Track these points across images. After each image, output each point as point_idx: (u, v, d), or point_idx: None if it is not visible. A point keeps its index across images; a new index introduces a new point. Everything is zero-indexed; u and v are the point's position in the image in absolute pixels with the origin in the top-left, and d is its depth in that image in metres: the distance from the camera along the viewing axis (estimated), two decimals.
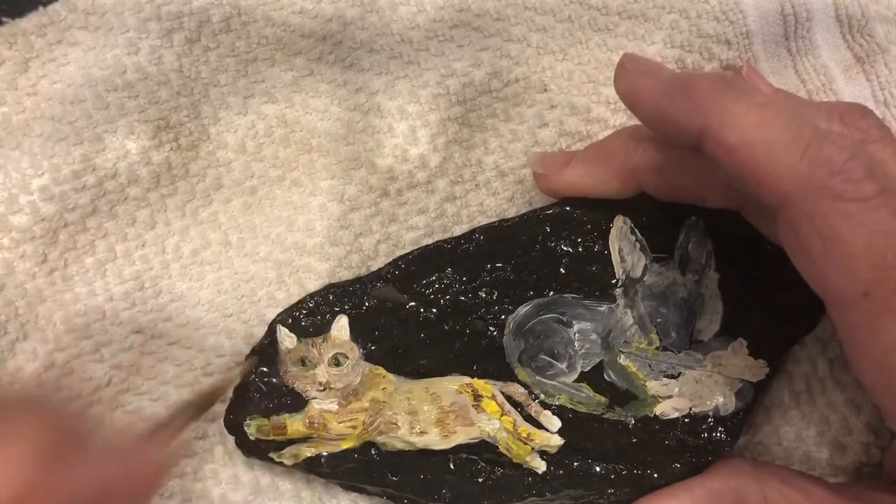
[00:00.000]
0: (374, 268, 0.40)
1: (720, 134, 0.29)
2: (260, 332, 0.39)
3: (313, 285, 0.40)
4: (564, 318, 0.38)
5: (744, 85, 0.31)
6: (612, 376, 0.38)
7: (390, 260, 0.39)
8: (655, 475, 0.37)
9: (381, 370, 0.38)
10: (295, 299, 0.39)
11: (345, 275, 0.40)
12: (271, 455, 0.37)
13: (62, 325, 0.39)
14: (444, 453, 0.37)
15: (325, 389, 0.37)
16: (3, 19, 0.41)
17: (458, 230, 0.41)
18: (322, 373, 0.37)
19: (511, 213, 0.41)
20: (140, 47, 0.40)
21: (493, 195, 0.41)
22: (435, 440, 0.37)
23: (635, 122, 0.35)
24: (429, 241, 0.40)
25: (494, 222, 0.38)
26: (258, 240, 0.40)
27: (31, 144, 0.39)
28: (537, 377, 0.38)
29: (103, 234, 0.40)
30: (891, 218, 0.27)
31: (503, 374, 0.38)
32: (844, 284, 0.28)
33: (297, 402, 0.37)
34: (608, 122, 0.41)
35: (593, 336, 0.38)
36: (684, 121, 0.31)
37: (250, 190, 0.41)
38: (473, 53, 0.41)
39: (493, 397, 0.37)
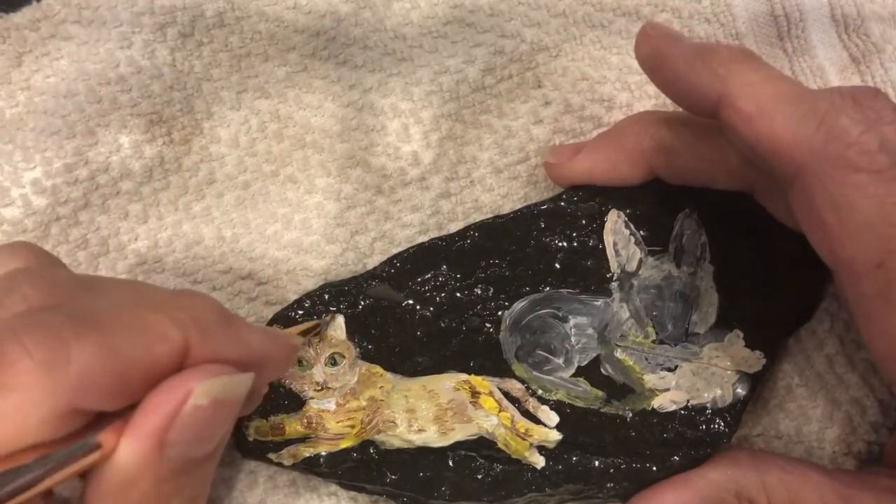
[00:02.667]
0: (370, 265, 0.38)
1: (738, 101, 0.29)
2: None
3: (309, 283, 0.39)
4: (560, 313, 0.37)
5: (762, 60, 0.30)
6: (609, 370, 0.37)
7: (385, 258, 0.38)
8: (654, 468, 0.36)
9: (379, 369, 0.36)
10: (292, 297, 0.38)
11: (341, 272, 0.39)
12: (270, 456, 0.36)
13: None
14: (442, 451, 0.36)
15: (322, 389, 0.36)
16: None
17: (454, 227, 0.39)
18: (319, 372, 0.36)
19: (506, 209, 0.39)
20: (133, 41, 0.39)
21: (488, 191, 0.40)
22: (433, 437, 0.36)
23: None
24: (424, 238, 0.39)
25: (489, 219, 0.37)
26: (253, 237, 0.39)
27: (24, 138, 0.38)
28: (534, 372, 0.37)
29: (95, 227, 0.38)
30: None
31: (500, 370, 0.37)
32: (858, 255, 0.27)
33: (295, 403, 0.36)
34: (602, 119, 0.40)
35: (589, 330, 0.37)
36: (703, 87, 0.30)
37: (243, 185, 0.39)
38: (467, 50, 0.40)
39: (491, 393, 0.36)
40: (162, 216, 0.39)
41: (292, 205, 0.39)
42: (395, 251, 0.38)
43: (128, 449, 0.24)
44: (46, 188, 0.38)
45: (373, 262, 0.39)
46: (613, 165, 0.36)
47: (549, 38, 0.40)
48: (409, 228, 0.39)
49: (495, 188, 0.40)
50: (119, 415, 0.24)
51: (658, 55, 0.32)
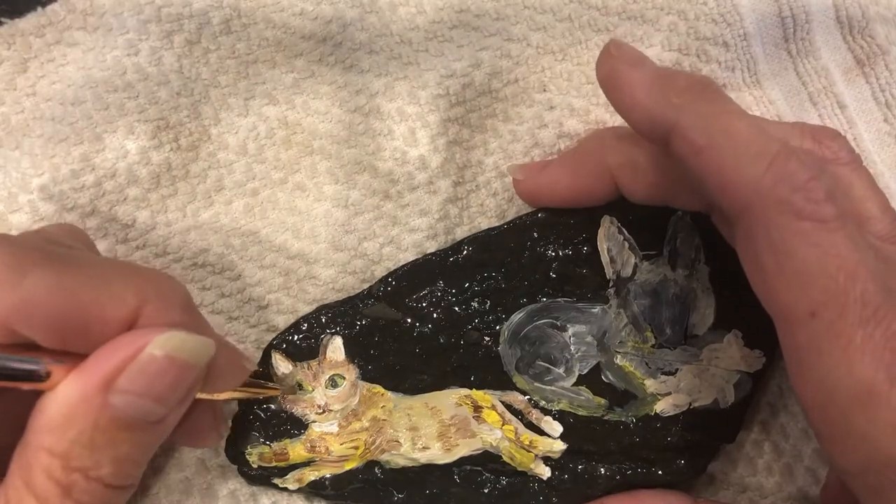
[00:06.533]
0: (378, 273, 0.37)
1: (689, 133, 0.27)
2: (269, 338, 0.36)
3: (318, 293, 0.37)
4: (558, 323, 0.35)
5: (721, 91, 0.29)
6: (610, 377, 0.35)
7: (392, 266, 0.36)
8: (660, 472, 0.35)
9: (380, 388, 0.35)
10: (301, 306, 0.37)
11: (349, 280, 0.37)
12: (275, 481, 0.35)
13: None
14: (448, 467, 0.35)
15: (324, 412, 0.34)
16: (2, 20, 0.37)
17: (461, 232, 0.38)
18: (320, 395, 0.34)
19: (511, 213, 0.38)
20: (140, 48, 0.37)
21: (493, 196, 0.38)
22: (438, 454, 0.35)
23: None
24: (432, 242, 0.37)
25: (482, 231, 0.36)
26: (263, 245, 0.37)
27: (32, 145, 0.36)
28: (536, 384, 0.35)
29: (103, 234, 0.36)
30: (846, 242, 0.25)
31: (501, 383, 0.35)
32: (793, 302, 0.25)
33: (298, 427, 0.35)
34: (606, 123, 0.38)
35: (588, 338, 0.35)
36: (656, 114, 0.28)
37: (252, 192, 0.38)
38: (473, 53, 0.38)
39: (493, 407, 0.35)
40: (170, 223, 0.37)
41: (301, 213, 0.38)
42: (402, 256, 0.37)
43: (73, 385, 0.24)
44: (53, 194, 0.36)
45: (380, 269, 0.37)
46: (577, 181, 0.34)
47: (555, 42, 0.38)
48: (418, 233, 0.38)
49: (500, 192, 0.38)
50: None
51: (616, 77, 0.30)
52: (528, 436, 0.35)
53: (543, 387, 0.35)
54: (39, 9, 0.38)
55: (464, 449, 0.35)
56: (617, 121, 0.38)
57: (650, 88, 0.29)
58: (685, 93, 0.28)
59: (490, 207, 0.38)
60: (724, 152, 0.26)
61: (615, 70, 0.30)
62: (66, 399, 0.24)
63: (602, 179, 0.34)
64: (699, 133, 0.27)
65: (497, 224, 0.36)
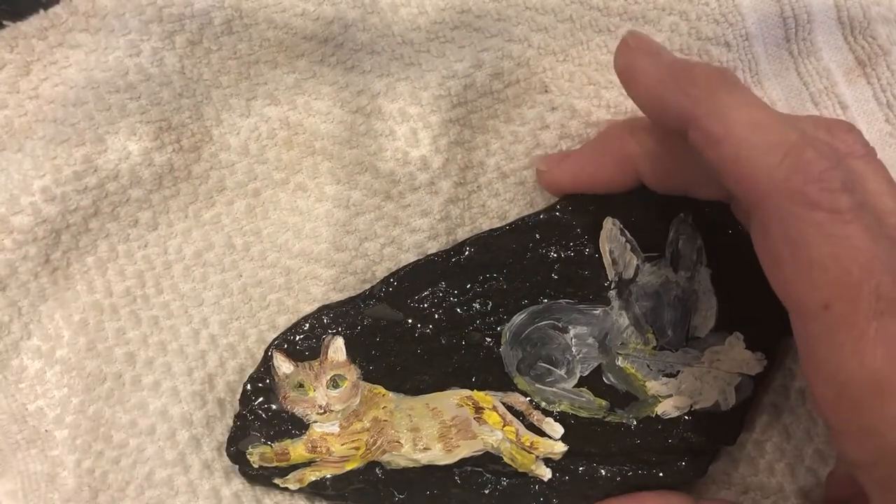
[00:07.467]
0: (379, 273, 0.37)
1: (707, 124, 0.27)
2: (270, 337, 0.36)
3: (319, 292, 0.37)
4: (560, 324, 0.35)
5: (739, 82, 0.28)
6: (612, 379, 0.35)
7: (394, 265, 0.36)
8: (661, 474, 0.35)
9: (381, 389, 0.35)
10: (303, 306, 0.37)
11: (350, 281, 0.37)
12: (276, 481, 0.34)
13: (63, 322, 0.36)
14: (449, 468, 0.35)
15: (325, 412, 0.34)
16: (4, 22, 0.37)
17: (462, 232, 0.37)
18: (321, 396, 0.34)
19: (513, 214, 0.37)
20: (142, 49, 0.37)
21: (494, 196, 0.38)
22: (439, 455, 0.34)
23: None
24: (433, 243, 0.37)
25: (484, 232, 0.35)
26: (265, 245, 0.37)
27: (34, 147, 0.36)
28: (537, 385, 0.35)
29: (105, 234, 0.36)
30: (861, 233, 0.25)
31: (503, 384, 0.35)
32: (807, 294, 0.25)
33: (299, 427, 0.35)
34: None
35: (590, 340, 0.35)
36: (674, 105, 0.28)
37: (254, 192, 0.38)
38: (475, 54, 0.38)
39: (495, 408, 0.35)
40: (172, 223, 0.37)
41: (303, 213, 0.37)
42: (403, 257, 0.37)
43: None
44: (56, 196, 0.36)
45: (381, 269, 0.37)
46: (599, 170, 0.34)
47: (556, 43, 0.38)
48: (419, 233, 0.37)
49: (501, 193, 0.38)
50: None
51: (633, 68, 0.30)
52: (529, 437, 0.35)
53: (545, 388, 0.35)
54: (41, 11, 0.37)
55: (465, 450, 0.34)
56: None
57: (667, 79, 0.29)
58: (702, 83, 0.28)
59: (492, 208, 0.38)
60: (740, 143, 0.26)
61: (632, 61, 0.30)
62: None
63: (624, 169, 0.34)
64: (716, 124, 0.27)
65: (499, 225, 0.36)
